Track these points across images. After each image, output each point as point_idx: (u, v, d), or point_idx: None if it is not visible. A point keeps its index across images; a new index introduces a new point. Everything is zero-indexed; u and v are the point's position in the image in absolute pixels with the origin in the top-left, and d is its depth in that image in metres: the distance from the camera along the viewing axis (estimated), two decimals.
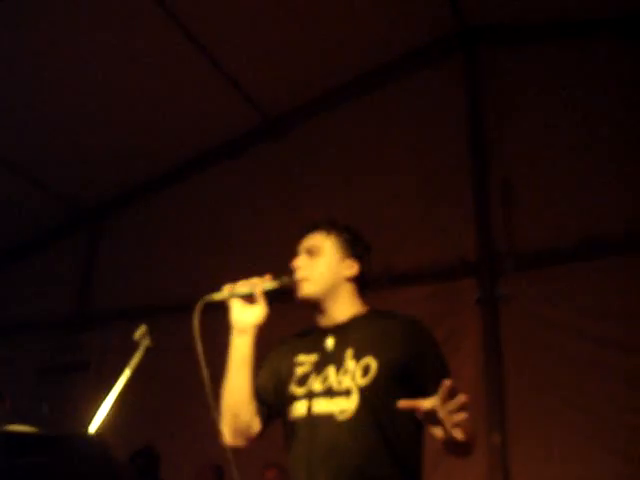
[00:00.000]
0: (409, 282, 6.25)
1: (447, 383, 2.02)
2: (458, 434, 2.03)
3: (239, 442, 2.54)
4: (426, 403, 2.06)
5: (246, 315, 2.51)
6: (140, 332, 2.55)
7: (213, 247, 6.83)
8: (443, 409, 2.02)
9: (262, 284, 2.53)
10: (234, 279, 2.58)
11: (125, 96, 6.22)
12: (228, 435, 2.51)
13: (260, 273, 2.57)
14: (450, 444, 2.12)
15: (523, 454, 5.53)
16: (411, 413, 2.19)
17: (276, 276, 2.55)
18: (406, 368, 2.39)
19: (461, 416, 2.01)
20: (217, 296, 2.51)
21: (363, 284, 2.63)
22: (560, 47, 6.10)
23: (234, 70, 6.23)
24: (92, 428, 2.33)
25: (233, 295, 2.51)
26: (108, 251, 7.53)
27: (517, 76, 6.26)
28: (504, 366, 5.77)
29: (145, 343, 2.54)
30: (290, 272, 2.59)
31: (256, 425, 2.54)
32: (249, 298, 2.52)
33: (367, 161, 6.56)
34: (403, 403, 2.10)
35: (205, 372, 2.32)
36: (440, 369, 2.42)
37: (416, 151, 6.44)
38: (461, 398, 2.01)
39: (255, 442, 2.59)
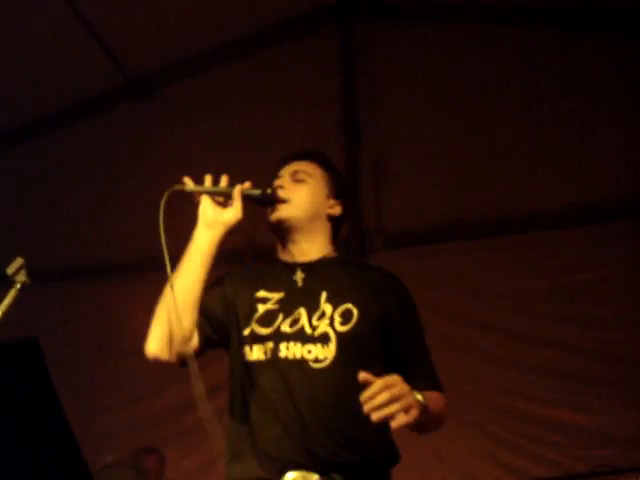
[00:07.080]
0: None
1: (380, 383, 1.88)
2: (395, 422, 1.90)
3: (167, 354, 2.20)
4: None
5: (217, 213, 2.27)
6: (15, 266, 2.16)
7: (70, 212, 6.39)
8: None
9: (242, 187, 2.30)
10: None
11: None
12: (157, 342, 2.20)
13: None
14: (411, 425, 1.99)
15: None
16: (379, 363, 2.15)
17: (257, 185, 2.30)
18: (385, 322, 2.25)
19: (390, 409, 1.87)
20: (189, 187, 2.24)
21: (338, 229, 2.47)
22: (439, 28, 6.11)
23: (94, 21, 5.74)
24: None
25: (207, 190, 2.26)
26: None
27: (395, 53, 6.23)
28: None
29: (21, 279, 2.15)
30: (273, 187, 2.35)
31: (195, 340, 2.24)
32: (223, 200, 2.28)
33: (236, 129, 6.36)
34: (363, 376, 1.90)
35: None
36: (417, 337, 2.33)
37: (287, 122, 6.29)
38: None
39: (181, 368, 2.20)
